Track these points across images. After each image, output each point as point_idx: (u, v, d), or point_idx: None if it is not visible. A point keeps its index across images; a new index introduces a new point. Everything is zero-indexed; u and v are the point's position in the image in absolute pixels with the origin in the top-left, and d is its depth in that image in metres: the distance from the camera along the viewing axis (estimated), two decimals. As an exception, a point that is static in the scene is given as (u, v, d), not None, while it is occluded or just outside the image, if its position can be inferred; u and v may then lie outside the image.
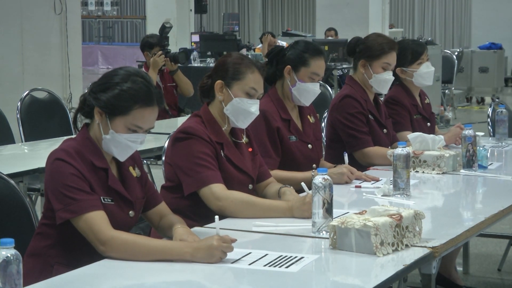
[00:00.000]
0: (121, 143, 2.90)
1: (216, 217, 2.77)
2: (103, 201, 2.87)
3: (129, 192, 2.98)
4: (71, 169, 2.81)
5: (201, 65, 11.87)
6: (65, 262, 2.86)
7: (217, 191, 3.28)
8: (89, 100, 2.92)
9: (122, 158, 2.96)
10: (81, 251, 2.85)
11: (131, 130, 2.89)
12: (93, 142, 2.93)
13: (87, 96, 2.94)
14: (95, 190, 2.85)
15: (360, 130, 4.46)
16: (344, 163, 3.97)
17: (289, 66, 4.04)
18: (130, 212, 2.97)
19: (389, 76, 4.55)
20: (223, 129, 3.45)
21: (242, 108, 3.41)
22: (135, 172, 3.06)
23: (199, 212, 3.32)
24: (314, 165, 4.06)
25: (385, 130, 4.61)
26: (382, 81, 4.53)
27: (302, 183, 3.31)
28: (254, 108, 3.43)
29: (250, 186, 3.51)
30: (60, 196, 2.80)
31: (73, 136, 3.02)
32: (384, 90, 4.61)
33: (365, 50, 4.55)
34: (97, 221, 2.78)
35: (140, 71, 2.98)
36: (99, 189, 2.87)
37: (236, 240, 2.74)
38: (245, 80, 3.41)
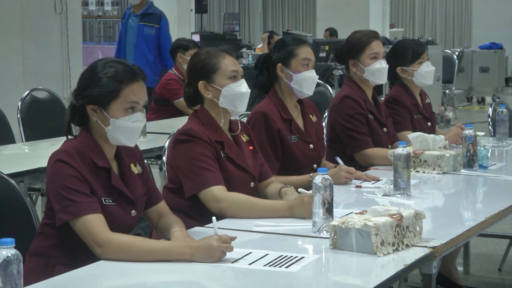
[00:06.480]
0: (125, 127, 2.89)
1: (213, 218, 2.78)
2: (104, 202, 2.86)
3: (131, 190, 2.97)
4: (71, 171, 2.81)
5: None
6: (67, 262, 2.85)
7: (216, 193, 3.28)
8: (78, 104, 2.91)
9: (132, 143, 2.96)
10: (84, 252, 2.82)
11: (129, 109, 2.89)
12: (94, 141, 2.92)
13: (74, 101, 2.93)
14: (96, 191, 2.85)
15: (360, 131, 4.45)
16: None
17: (280, 64, 4.05)
18: (132, 211, 2.96)
19: (381, 65, 4.52)
20: (220, 125, 3.46)
21: (234, 93, 3.42)
22: (136, 169, 3.05)
23: (201, 212, 3.31)
24: (315, 166, 4.06)
25: (385, 129, 4.60)
26: (375, 71, 4.51)
27: (300, 189, 3.32)
28: (244, 88, 3.44)
29: (252, 184, 3.50)
30: (60, 197, 2.80)
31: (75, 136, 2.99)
32: (381, 80, 4.56)
33: (348, 50, 4.56)
34: (94, 223, 2.77)
35: (115, 58, 3.00)
36: (100, 190, 2.86)
37: (235, 238, 2.74)
38: (222, 68, 3.42)
